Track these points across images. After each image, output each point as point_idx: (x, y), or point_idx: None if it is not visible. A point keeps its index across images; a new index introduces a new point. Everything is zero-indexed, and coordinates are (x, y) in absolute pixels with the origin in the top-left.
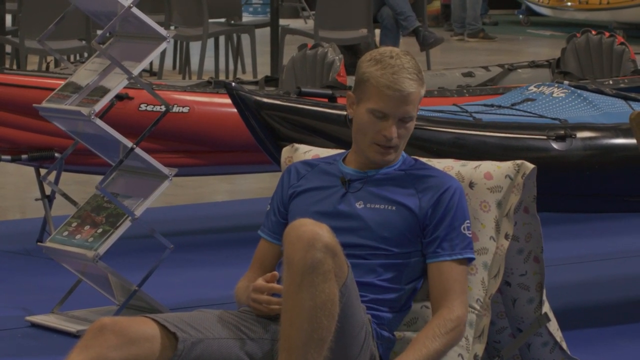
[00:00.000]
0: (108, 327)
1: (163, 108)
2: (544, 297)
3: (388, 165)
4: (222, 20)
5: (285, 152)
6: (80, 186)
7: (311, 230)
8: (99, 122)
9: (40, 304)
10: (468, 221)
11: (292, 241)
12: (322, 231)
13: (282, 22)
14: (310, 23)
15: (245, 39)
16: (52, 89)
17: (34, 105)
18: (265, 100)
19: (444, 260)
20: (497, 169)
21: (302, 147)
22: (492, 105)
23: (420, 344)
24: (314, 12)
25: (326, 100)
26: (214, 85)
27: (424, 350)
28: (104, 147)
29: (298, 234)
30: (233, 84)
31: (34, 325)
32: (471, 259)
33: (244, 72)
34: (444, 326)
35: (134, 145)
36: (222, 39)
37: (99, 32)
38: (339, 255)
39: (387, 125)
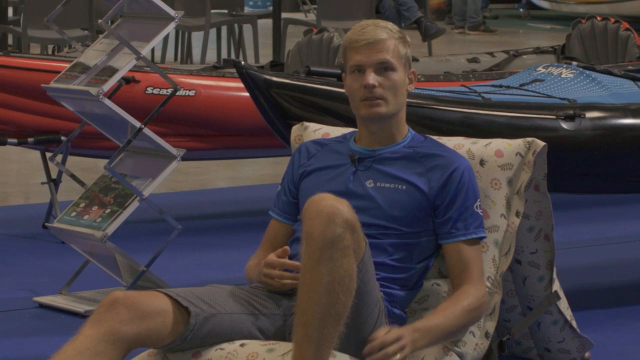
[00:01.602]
0: (120, 301)
1: (170, 91)
2: (554, 276)
3: (402, 136)
4: (224, 11)
5: (295, 130)
6: (85, 173)
7: (331, 205)
8: (107, 101)
9: (47, 285)
10: (479, 199)
11: (312, 216)
12: (342, 206)
13: (283, 15)
14: (311, 16)
15: (247, 30)
16: (59, 72)
17: (42, 85)
18: (275, 78)
19: (460, 240)
20: (507, 147)
21: (312, 126)
22: (500, 86)
23: (449, 312)
24: (314, 5)
25: (335, 79)
26: (223, 64)
27: (450, 319)
28: (112, 128)
29: (318, 208)
30: (242, 62)
31: (42, 306)
32: (483, 238)
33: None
34: (473, 303)
35: (143, 126)
36: (224, 29)
37: (101, 22)
38: (358, 231)
39: (365, 76)
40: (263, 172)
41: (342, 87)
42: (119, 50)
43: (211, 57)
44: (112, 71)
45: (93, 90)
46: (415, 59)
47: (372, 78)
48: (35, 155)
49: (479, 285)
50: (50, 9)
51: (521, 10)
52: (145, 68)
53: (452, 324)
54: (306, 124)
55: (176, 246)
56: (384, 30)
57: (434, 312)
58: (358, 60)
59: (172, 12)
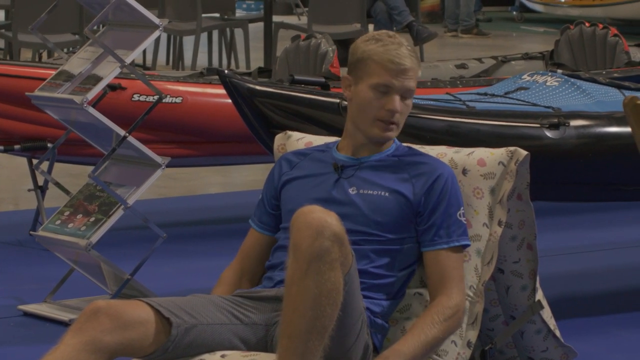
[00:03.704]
0: (102, 310)
1: (156, 98)
2: (537, 285)
3: (387, 145)
4: (216, 15)
5: (278, 139)
6: (72, 178)
7: (320, 218)
8: (91, 110)
9: (32, 293)
10: (462, 207)
11: (300, 228)
12: (330, 219)
13: (276, 18)
14: (304, 20)
15: (239, 34)
16: (45, 79)
17: (26, 93)
18: (258, 87)
19: (441, 248)
20: (490, 156)
21: (295, 135)
22: (485, 94)
23: (419, 330)
24: (307, 9)
25: (319, 88)
26: (207, 74)
27: (422, 337)
28: (97, 136)
29: (307, 220)
30: (226, 71)
31: (27, 314)
32: (467, 246)
33: (237, 67)
34: (443, 313)
35: (127, 134)
36: (215, 34)
37: (86, 30)
38: (346, 244)
39: (391, 99)
40: (253, 177)
41: (326, 95)
42: (104, 58)
43: (203, 62)
44: (97, 79)
45: (77, 99)
46: None
47: (398, 105)
48: (25, 161)
49: (453, 294)
50: (41, 13)
51: (514, 13)
52: (132, 75)
53: (427, 340)
54: (289, 132)
55: (162, 253)
56: (414, 58)
57: (406, 333)
58: (387, 81)
59: (156, 20)
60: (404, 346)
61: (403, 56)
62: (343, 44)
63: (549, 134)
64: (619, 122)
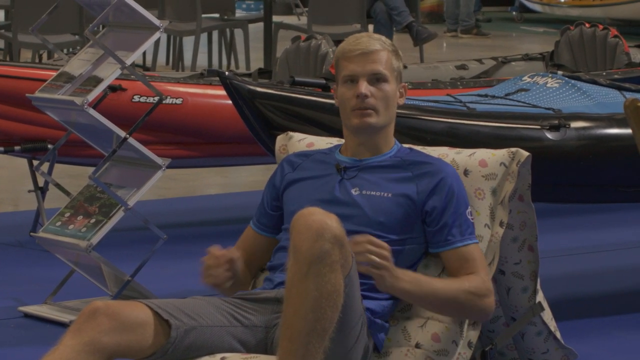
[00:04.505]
0: (101, 311)
1: (157, 99)
2: (538, 286)
3: (388, 147)
4: (216, 15)
5: (280, 140)
6: (73, 179)
7: (320, 220)
8: (92, 111)
9: (33, 294)
10: (469, 206)
11: (300, 230)
12: (331, 221)
13: (276, 18)
14: (304, 20)
15: (239, 34)
16: (45, 80)
17: (26, 95)
18: (259, 89)
19: (457, 246)
20: (491, 157)
21: (297, 135)
22: (485, 95)
23: (446, 281)
24: (307, 9)
25: (320, 89)
26: (207, 75)
27: (436, 284)
28: (97, 137)
29: (307, 223)
30: (226, 72)
31: (27, 315)
32: (476, 244)
33: (237, 67)
34: (476, 287)
35: (128, 135)
36: (215, 34)
37: (86, 32)
38: (346, 246)
39: (358, 86)
40: (253, 178)
41: (326, 97)
42: (104, 59)
43: (202, 62)
44: (97, 81)
45: (78, 100)
46: (403, 66)
47: (364, 87)
48: (25, 162)
49: (486, 280)
50: (41, 14)
51: (514, 13)
52: (132, 76)
53: (444, 290)
54: (291, 133)
55: (163, 255)
56: (378, 42)
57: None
58: (351, 69)
59: (157, 21)
60: (422, 277)
61: (360, 42)
62: None
63: (549, 135)
64: (620, 123)
